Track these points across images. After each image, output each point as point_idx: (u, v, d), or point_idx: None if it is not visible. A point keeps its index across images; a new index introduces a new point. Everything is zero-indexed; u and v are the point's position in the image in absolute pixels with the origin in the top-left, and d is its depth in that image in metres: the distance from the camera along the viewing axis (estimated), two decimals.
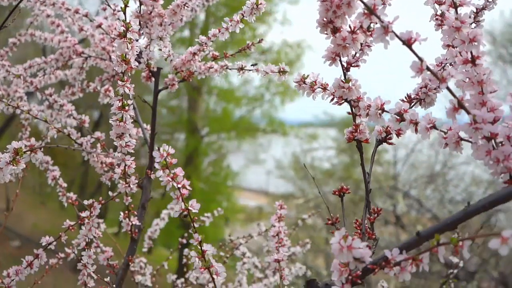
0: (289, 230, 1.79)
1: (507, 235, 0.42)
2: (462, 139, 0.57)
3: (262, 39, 1.07)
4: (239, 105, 11.92)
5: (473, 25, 0.75)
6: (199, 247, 0.68)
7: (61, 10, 1.16)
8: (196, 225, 0.86)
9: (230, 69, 1.02)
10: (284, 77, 0.89)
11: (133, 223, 1.02)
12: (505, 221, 6.11)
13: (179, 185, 0.66)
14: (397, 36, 0.53)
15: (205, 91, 11.87)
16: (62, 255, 1.18)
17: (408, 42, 0.53)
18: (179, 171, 0.66)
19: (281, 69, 0.89)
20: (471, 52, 0.57)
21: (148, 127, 1.17)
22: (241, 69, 1.00)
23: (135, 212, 1.01)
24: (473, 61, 0.57)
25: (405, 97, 0.73)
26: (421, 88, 0.72)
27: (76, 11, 1.14)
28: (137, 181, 0.96)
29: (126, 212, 1.01)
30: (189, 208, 0.67)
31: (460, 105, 0.54)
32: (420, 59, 0.53)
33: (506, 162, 0.53)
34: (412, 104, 0.72)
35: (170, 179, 0.65)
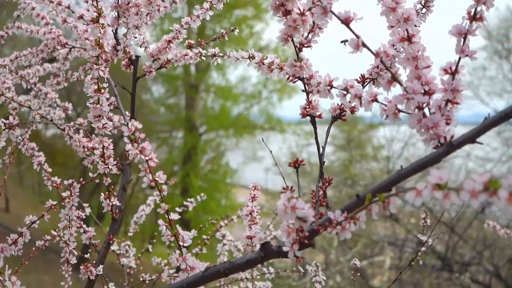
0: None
1: (421, 187, 0.47)
2: (400, 110, 0.63)
3: (235, 28, 1.12)
4: (236, 102, 11.98)
5: (424, 10, 0.80)
6: (167, 216, 0.73)
7: (45, 2, 1.21)
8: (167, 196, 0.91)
9: (204, 56, 1.07)
10: (252, 63, 0.93)
11: (114, 203, 1.07)
12: (498, 212, 6.17)
13: (147, 158, 0.71)
14: (335, 15, 0.58)
15: (203, 89, 11.93)
16: (48, 237, 1.23)
17: (346, 21, 0.59)
18: (147, 145, 0.71)
19: (251, 55, 0.95)
20: (407, 30, 0.62)
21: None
22: (214, 55, 1.05)
23: (115, 193, 1.06)
24: (409, 38, 0.62)
25: (359, 77, 0.78)
26: (373, 68, 0.77)
27: (59, 3, 1.19)
28: (115, 163, 1.01)
29: (107, 193, 1.06)
30: (156, 179, 0.72)
31: (394, 78, 0.60)
32: (357, 36, 0.58)
33: (434, 129, 0.58)
34: (366, 83, 0.78)
35: (138, 152, 0.71)
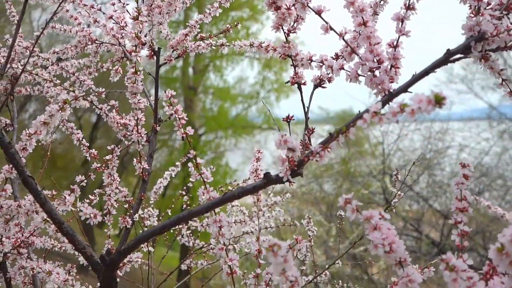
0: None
1: (365, 116, 0.73)
2: (359, 74, 0.88)
3: (238, 23, 1.38)
4: (234, 103, 12.25)
5: (381, 2, 1.06)
6: (194, 161, 0.99)
7: (79, 6, 1.47)
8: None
9: (214, 46, 1.33)
10: (253, 48, 1.19)
11: (144, 167, 1.33)
12: (490, 199, 6.44)
13: (180, 117, 0.97)
14: (311, 8, 0.84)
15: (201, 90, 12.19)
16: (87, 200, 1.48)
17: (319, 12, 0.85)
18: (179, 107, 0.97)
19: (251, 43, 1.20)
20: (362, 18, 0.88)
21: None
22: (222, 45, 1.31)
23: (145, 158, 1.32)
24: (364, 24, 0.88)
25: (334, 54, 1.04)
26: (344, 48, 1.03)
27: (92, 6, 1.45)
28: (146, 133, 1.27)
29: (139, 158, 1.32)
30: (187, 131, 0.98)
31: (352, 51, 0.86)
32: (326, 22, 0.84)
33: (381, 85, 0.84)
34: (339, 59, 1.03)
35: (173, 112, 0.96)
